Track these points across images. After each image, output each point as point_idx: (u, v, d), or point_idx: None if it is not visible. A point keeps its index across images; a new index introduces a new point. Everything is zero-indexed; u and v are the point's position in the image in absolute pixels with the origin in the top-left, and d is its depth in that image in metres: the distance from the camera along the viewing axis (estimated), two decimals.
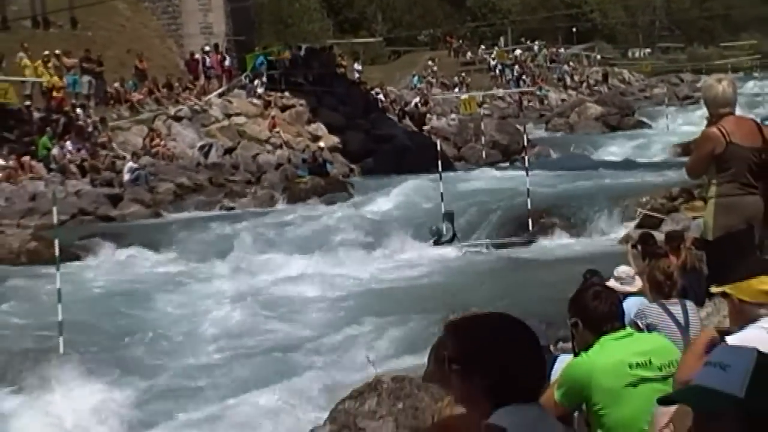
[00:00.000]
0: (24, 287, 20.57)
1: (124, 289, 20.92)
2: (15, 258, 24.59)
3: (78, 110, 36.40)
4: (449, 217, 25.53)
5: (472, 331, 4.01)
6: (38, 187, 30.73)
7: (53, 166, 32.78)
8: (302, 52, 50.20)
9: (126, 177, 33.50)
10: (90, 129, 36.04)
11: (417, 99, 54.09)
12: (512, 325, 4.03)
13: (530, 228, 25.39)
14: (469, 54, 73.39)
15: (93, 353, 16.08)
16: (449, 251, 24.39)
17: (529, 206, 25.44)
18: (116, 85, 40.15)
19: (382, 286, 20.46)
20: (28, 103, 35.31)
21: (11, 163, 31.27)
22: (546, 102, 67.26)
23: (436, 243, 25.12)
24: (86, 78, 38.20)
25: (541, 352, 4.05)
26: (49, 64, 36.81)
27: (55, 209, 19.08)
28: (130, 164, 34.23)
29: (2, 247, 24.97)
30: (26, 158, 32.17)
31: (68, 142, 33.95)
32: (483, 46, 75.37)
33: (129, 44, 44.09)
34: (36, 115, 35.14)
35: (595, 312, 5.96)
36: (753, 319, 4.67)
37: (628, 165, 40.23)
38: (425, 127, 48.88)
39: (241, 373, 14.86)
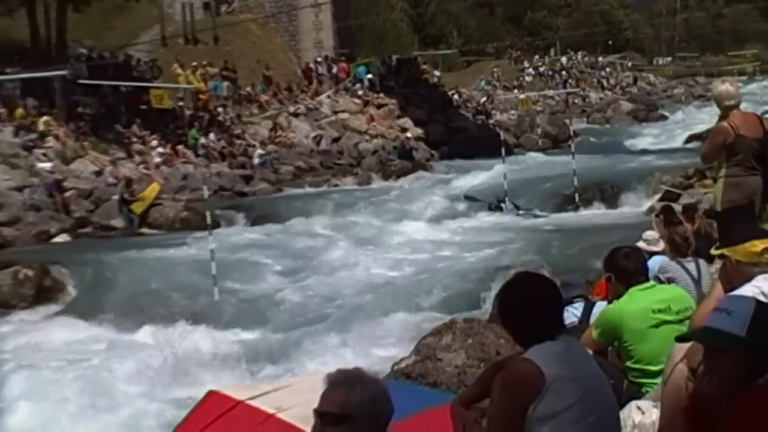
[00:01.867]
0: (180, 248, 20.80)
1: (257, 249, 21.03)
2: (171, 224, 24.92)
3: (219, 109, 36.81)
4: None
5: (506, 290, 4.11)
6: (188, 169, 31.10)
7: (200, 152, 33.15)
8: (393, 62, 50.09)
9: (256, 161, 33.81)
10: (228, 123, 36.41)
11: (484, 98, 53.70)
12: (534, 283, 4.10)
13: (576, 200, 25.23)
14: (525, 62, 72.53)
15: (239, 300, 16.33)
16: (511, 219, 24.22)
17: (575, 183, 25.26)
18: (248, 89, 40.49)
19: (456, 247, 20.36)
20: (180, 103, 35.80)
21: (168, 150, 31.68)
22: (587, 100, 66.30)
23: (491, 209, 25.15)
24: (225, 83, 38.53)
25: (559, 300, 4.08)
26: (197, 73, 37.21)
27: (205, 188, 19.53)
28: (259, 151, 34.60)
29: (161, 216, 25.31)
30: (179, 146, 32.56)
31: (211, 134, 34.34)
32: (537, 56, 74.36)
33: (258, 56, 44.38)
34: (186, 112, 35.57)
35: (625, 268, 5.97)
36: (749, 278, 4.60)
37: (652, 151, 39.69)
38: (491, 121, 48.58)
39: (349, 316, 14.87)
